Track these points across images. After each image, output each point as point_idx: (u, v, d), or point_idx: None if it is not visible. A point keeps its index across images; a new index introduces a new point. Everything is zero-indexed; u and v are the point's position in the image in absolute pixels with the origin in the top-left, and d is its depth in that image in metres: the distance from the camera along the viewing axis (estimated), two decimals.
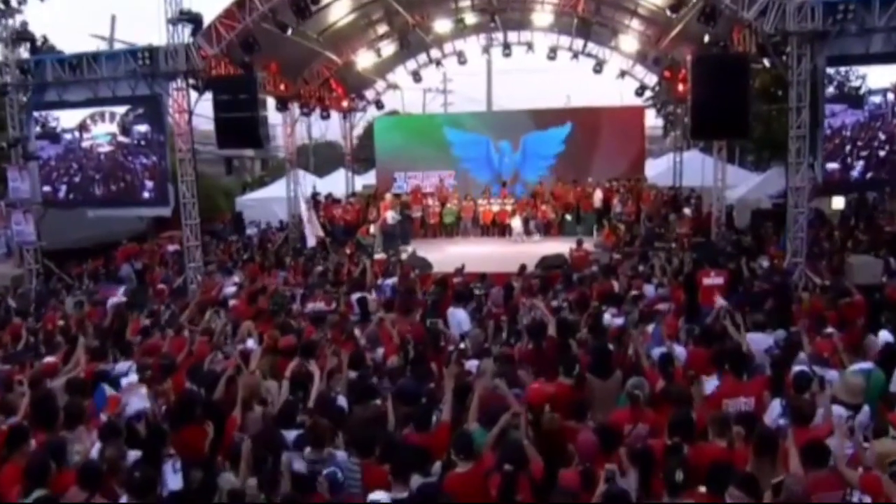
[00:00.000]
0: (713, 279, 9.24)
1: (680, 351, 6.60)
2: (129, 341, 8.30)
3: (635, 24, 17.76)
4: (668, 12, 13.18)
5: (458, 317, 8.88)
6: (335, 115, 22.51)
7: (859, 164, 11.72)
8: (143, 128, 14.09)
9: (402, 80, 23.16)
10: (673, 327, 6.89)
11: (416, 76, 22.66)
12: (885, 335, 6.95)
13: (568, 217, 20.58)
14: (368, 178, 25.37)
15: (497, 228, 20.76)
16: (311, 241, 15.59)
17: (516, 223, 19.53)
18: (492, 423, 4.91)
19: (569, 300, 9.77)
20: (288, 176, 19.49)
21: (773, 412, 5.36)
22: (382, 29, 18.30)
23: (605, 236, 16.70)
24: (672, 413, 4.87)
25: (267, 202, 24.25)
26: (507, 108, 29.39)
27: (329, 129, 23.89)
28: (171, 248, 18.17)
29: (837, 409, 5.10)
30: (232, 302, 11.18)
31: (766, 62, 12.95)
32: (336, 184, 24.27)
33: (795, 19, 11.36)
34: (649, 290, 11.08)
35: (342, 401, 6.08)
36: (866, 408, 5.21)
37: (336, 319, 8.52)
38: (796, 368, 5.73)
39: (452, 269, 14.17)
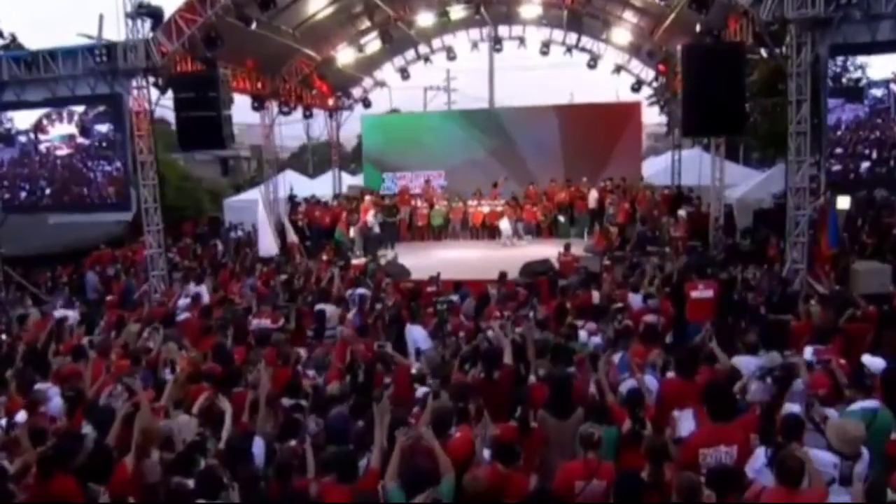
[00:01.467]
0: (701, 292, 8.33)
1: (651, 382, 5.70)
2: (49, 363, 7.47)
3: (628, 15, 16.83)
4: (660, 1, 12.26)
5: (415, 335, 8.02)
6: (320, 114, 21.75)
7: (861, 163, 10.76)
8: (103, 128, 13.28)
9: (398, 78, 22.22)
10: (642, 354, 5.94)
11: (404, 73, 21.84)
12: (876, 362, 5.95)
13: (561, 218, 19.73)
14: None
15: (487, 231, 19.94)
16: (270, 249, 14.73)
17: (505, 225, 18.66)
18: (413, 484, 4.07)
19: (536, 316, 8.89)
20: (266, 178, 18.72)
21: (757, 462, 4.48)
22: (363, 23, 17.43)
23: (596, 240, 15.76)
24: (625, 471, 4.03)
25: (255, 203, 23.43)
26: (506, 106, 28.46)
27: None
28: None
29: (826, 457, 4.24)
30: (185, 315, 10.37)
31: (764, 52, 12.02)
32: (328, 185, 23.45)
33: (794, 5, 10.40)
34: (636, 300, 10.19)
35: (258, 443, 5.27)
36: (865, 454, 4.31)
37: (281, 338, 7.68)
38: (787, 408, 4.84)
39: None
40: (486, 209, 20.22)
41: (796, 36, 10.60)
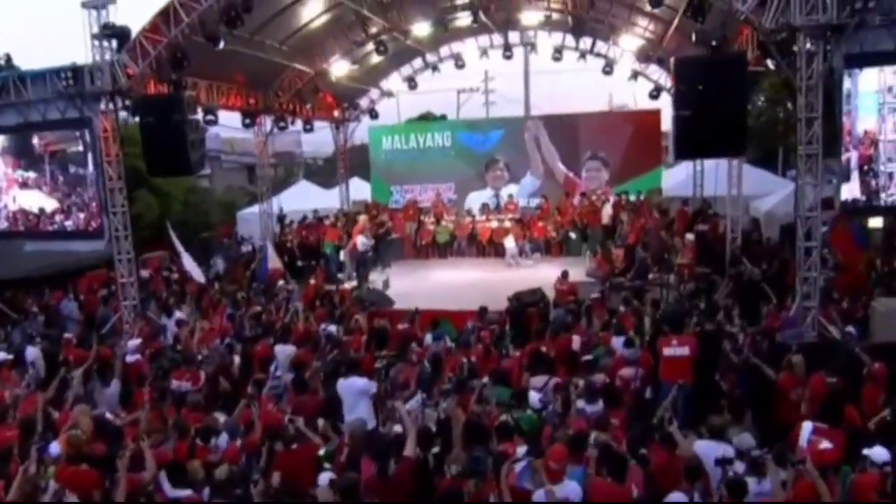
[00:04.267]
0: (675, 349, 7.18)
1: (573, 492, 4.68)
2: None
3: (636, 19, 15.62)
4: (650, 7, 11.11)
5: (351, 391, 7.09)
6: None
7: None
8: (75, 153, 12.83)
9: (421, 84, 21.37)
10: (560, 456, 4.79)
11: (412, 83, 21.09)
12: (878, 453, 4.89)
13: (572, 235, 18.62)
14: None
15: (494, 248, 18.99)
16: (198, 277, 14.09)
17: (510, 244, 17.65)
18: None
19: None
20: (261, 195, 18.21)
21: None
22: (358, 35, 16.63)
23: (598, 264, 14.51)
24: None
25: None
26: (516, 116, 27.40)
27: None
28: (144, 273, 16.81)
29: None
30: (135, 357, 9.70)
31: (770, 64, 10.75)
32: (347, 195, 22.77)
33: (803, 11, 9.15)
34: (619, 344, 9.10)
35: None
36: None
37: (193, 401, 6.91)
38: None
39: (428, 300, 12.61)
40: (494, 224, 19.33)
41: (805, 45, 9.37)
